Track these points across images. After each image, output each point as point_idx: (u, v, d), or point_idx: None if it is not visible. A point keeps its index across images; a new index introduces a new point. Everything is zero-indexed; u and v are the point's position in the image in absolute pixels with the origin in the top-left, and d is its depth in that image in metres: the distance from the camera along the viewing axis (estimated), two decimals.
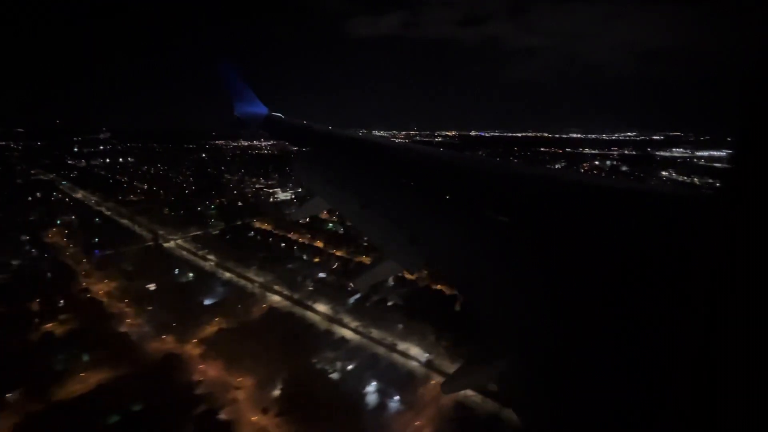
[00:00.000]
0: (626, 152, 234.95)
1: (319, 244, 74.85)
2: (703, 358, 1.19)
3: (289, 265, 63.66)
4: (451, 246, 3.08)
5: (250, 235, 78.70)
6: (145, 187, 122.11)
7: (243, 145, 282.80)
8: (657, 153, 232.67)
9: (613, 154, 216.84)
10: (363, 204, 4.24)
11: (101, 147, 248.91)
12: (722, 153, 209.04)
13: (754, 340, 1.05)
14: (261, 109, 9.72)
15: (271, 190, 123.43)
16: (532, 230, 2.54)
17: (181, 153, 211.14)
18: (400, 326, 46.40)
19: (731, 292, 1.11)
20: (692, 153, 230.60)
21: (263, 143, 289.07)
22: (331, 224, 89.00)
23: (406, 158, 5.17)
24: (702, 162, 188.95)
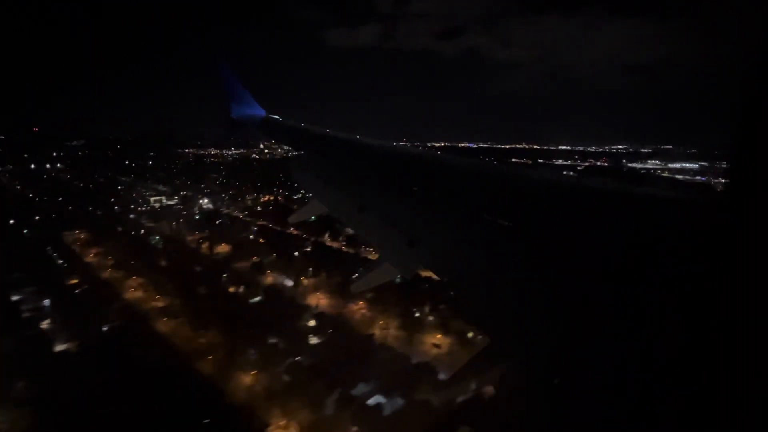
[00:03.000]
0: (598, 164, 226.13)
1: (104, 262, 64.41)
2: (705, 361, 1.19)
3: (25, 289, 53.04)
4: (450, 249, 3.04)
5: (43, 249, 68.49)
6: (18, 188, 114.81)
7: (209, 153, 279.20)
8: (629, 165, 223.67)
9: (580, 167, 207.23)
10: (360, 207, 4.19)
11: (54, 153, 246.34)
12: (694, 165, 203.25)
13: (756, 342, 1.04)
14: (258, 111, 9.30)
15: (154, 198, 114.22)
16: (532, 233, 2.51)
17: (129, 160, 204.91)
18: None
19: (733, 296, 1.12)
20: (664, 165, 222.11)
21: (232, 151, 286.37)
22: (157, 237, 78.73)
23: (405, 161, 5.03)
24: (665, 174, 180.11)
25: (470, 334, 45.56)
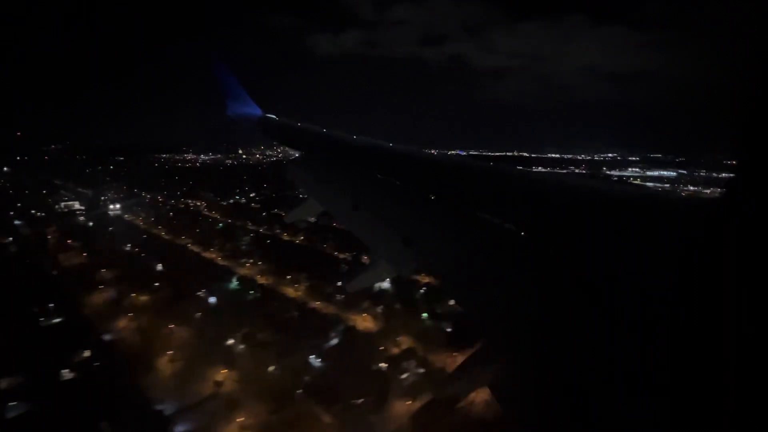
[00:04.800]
0: (576, 171, 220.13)
1: None
2: (704, 363, 1.19)
3: None
4: (446, 248, 3.03)
5: None
6: None
7: (184, 159, 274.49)
8: (608, 172, 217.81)
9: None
10: (356, 205, 4.21)
11: (18, 158, 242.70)
12: (672, 173, 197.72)
13: (757, 345, 1.02)
14: (255, 110, 9.01)
15: (64, 203, 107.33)
16: (529, 233, 2.49)
17: (95, 165, 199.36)
18: None
19: (734, 298, 1.10)
20: (643, 173, 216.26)
21: (209, 156, 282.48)
22: (12, 247, 71.17)
23: (401, 160, 4.92)
24: (637, 181, 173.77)
25: (271, 368, 37.30)
